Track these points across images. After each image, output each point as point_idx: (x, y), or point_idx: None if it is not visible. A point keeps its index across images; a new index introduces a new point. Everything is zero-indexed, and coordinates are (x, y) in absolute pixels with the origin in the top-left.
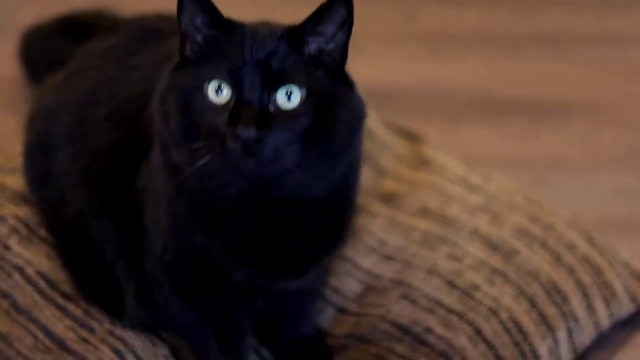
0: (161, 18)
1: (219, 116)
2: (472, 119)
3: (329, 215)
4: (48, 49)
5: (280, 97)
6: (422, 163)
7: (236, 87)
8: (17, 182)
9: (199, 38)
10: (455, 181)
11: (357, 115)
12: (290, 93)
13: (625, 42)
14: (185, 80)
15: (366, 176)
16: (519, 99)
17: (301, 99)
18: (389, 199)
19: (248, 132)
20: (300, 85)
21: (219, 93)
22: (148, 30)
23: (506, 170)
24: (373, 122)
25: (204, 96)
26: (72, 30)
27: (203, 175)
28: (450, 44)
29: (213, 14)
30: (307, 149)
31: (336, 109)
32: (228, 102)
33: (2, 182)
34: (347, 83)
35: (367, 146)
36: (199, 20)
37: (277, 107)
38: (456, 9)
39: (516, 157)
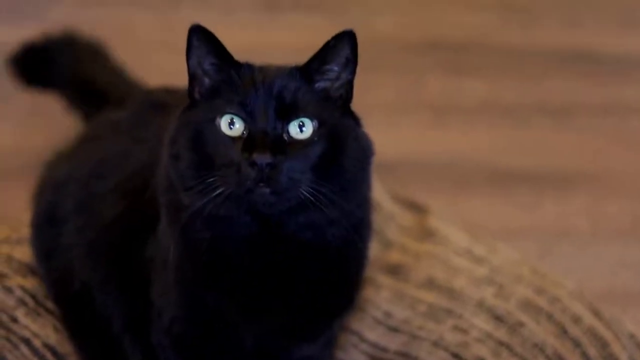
0: (168, 92)
1: (233, 147)
2: (477, 189)
3: (341, 270)
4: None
5: (293, 129)
6: (427, 234)
7: (248, 119)
8: (24, 253)
9: (207, 81)
10: (460, 253)
11: (365, 150)
12: (302, 125)
13: (629, 113)
14: (196, 117)
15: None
16: (524, 169)
17: (313, 130)
18: (394, 270)
19: (264, 158)
20: (312, 118)
21: (231, 127)
22: (155, 104)
23: (511, 240)
24: (378, 193)
25: (217, 130)
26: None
27: (212, 217)
28: (456, 113)
29: (222, 53)
30: (320, 180)
31: (346, 141)
32: (241, 135)
33: (9, 254)
34: (354, 118)
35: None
36: (207, 62)
37: (290, 137)
38: (462, 79)
39: (521, 228)
